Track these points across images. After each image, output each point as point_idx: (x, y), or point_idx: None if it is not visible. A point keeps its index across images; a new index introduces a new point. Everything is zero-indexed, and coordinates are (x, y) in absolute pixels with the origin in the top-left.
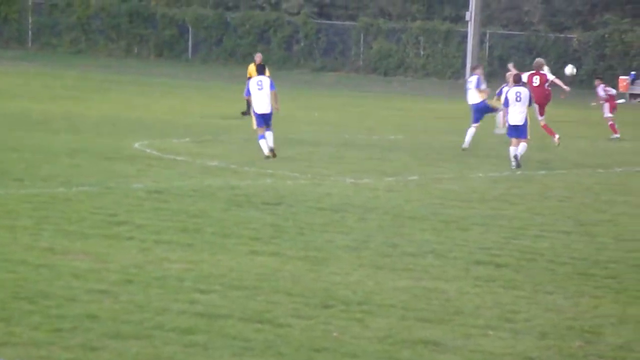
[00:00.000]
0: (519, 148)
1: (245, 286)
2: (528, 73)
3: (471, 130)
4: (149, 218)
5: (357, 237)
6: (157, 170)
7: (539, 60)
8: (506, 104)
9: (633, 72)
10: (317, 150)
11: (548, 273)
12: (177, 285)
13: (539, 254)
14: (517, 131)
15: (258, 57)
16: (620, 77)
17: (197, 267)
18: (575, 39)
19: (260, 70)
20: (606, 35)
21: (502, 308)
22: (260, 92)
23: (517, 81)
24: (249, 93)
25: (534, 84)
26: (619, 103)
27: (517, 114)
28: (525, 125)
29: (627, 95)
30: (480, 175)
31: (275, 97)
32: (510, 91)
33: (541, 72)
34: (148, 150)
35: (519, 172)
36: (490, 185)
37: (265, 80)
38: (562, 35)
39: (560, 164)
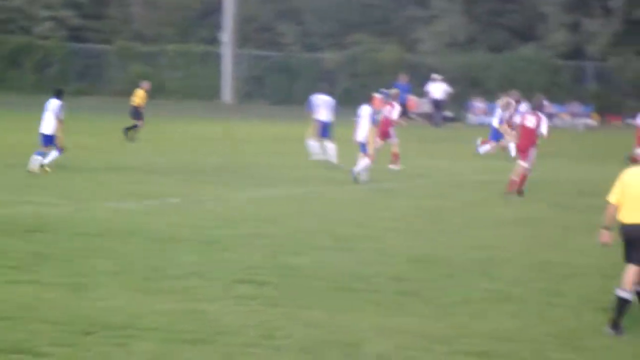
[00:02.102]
0: (360, 164)
1: (4, 317)
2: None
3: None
4: None
5: (120, 261)
6: None
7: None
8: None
9: (384, 90)
10: (77, 175)
11: (307, 289)
12: None
13: (299, 271)
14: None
15: None
16: (373, 94)
17: None
18: (329, 59)
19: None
20: (358, 54)
21: (263, 326)
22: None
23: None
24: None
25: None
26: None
27: (362, 132)
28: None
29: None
30: (243, 195)
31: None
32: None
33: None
34: None
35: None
36: (252, 205)
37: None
38: (315, 55)
39: (317, 181)
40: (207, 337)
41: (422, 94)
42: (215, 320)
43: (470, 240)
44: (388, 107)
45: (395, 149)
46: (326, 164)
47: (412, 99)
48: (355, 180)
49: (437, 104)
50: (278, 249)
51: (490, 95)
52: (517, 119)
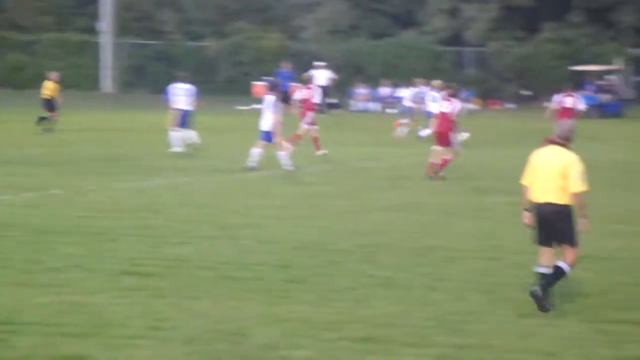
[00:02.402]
0: (281, 157)
1: None
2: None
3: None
4: None
5: None
6: None
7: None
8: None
9: (268, 78)
10: None
11: (194, 279)
12: None
13: (184, 261)
14: (266, 135)
15: None
16: (254, 82)
17: None
18: (210, 47)
19: None
20: (240, 42)
21: (149, 317)
22: None
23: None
24: None
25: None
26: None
27: (265, 119)
28: (268, 131)
29: None
30: (125, 185)
31: None
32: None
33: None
34: None
35: (187, 179)
36: (135, 196)
37: None
38: (197, 44)
39: (201, 171)
40: (91, 330)
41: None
42: (99, 313)
43: (355, 226)
44: (305, 91)
45: (315, 133)
46: (192, 152)
47: (295, 87)
48: (285, 171)
49: (322, 91)
50: (163, 240)
51: (373, 82)
52: (434, 106)
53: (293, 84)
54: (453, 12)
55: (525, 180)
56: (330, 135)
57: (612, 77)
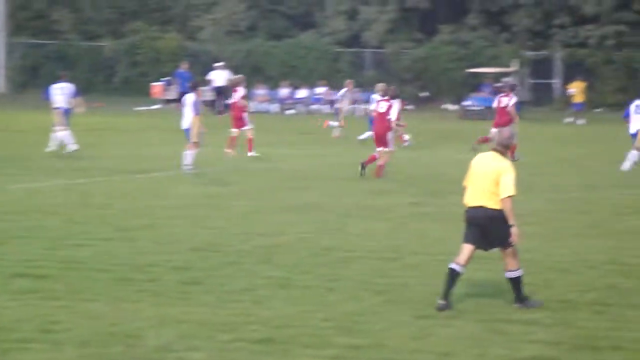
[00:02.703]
0: (186, 156)
1: None
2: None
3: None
4: None
5: None
6: None
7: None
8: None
9: (166, 78)
10: None
11: (89, 281)
12: None
13: (79, 263)
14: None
15: None
16: (152, 83)
17: None
18: (107, 47)
19: None
20: (137, 43)
21: (42, 319)
22: None
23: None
24: None
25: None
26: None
27: (185, 119)
28: (188, 129)
29: (163, 101)
30: (21, 186)
31: None
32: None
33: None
34: None
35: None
36: (31, 197)
37: None
38: (94, 44)
39: (99, 172)
40: None
41: (204, 82)
42: None
43: (253, 227)
44: (236, 93)
45: (250, 134)
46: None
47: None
48: (184, 171)
49: (219, 92)
50: (58, 241)
51: (272, 83)
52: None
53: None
54: (352, 14)
55: (465, 182)
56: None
57: (509, 80)
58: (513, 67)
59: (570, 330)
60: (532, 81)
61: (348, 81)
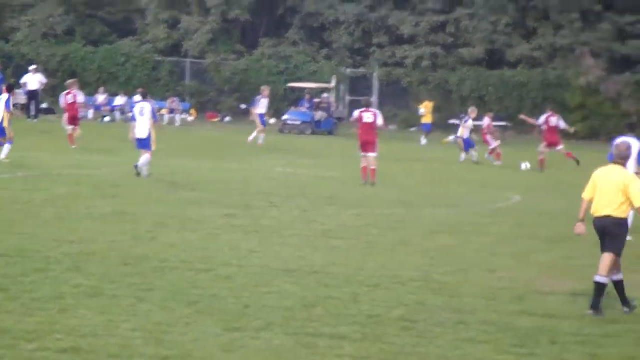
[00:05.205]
0: (141, 159)
1: None
2: None
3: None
4: None
5: None
6: None
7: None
8: (133, 118)
9: None
10: None
11: None
12: None
13: None
14: (142, 143)
15: None
16: None
17: None
18: None
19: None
20: None
21: None
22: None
23: None
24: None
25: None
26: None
27: (141, 128)
28: (149, 138)
29: None
30: None
31: None
32: (136, 107)
33: None
34: None
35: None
36: None
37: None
38: None
39: None
40: None
41: (18, 85)
42: None
43: (63, 234)
44: (68, 96)
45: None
46: None
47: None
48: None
49: (33, 96)
50: None
51: (90, 89)
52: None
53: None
54: (173, 23)
55: (585, 195)
56: (41, 141)
57: (327, 95)
58: (331, 84)
59: (378, 346)
60: (351, 98)
61: (263, 87)
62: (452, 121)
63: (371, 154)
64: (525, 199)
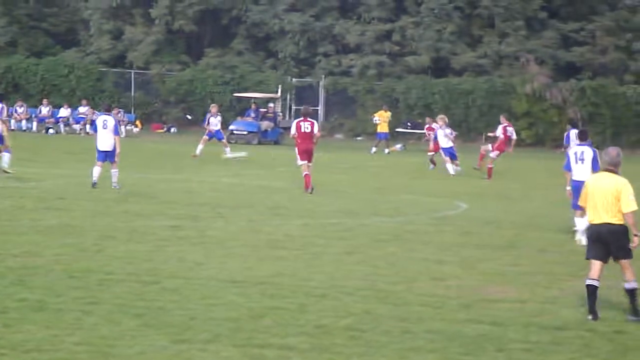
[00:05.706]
0: (113, 176)
1: None
2: None
3: None
4: None
5: None
6: None
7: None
8: (94, 129)
9: None
10: None
11: None
12: None
13: None
14: (106, 156)
15: None
16: None
17: None
18: None
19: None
20: None
21: None
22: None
23: None
24: None
25: None
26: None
27: (104, 141)
28: (114, 151)
29: None
30: None
31: None
32: (99, 119)
33: None
34: None
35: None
36: None
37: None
38: None
39: None
40: None
41: None
42: None
43: (7, 247)
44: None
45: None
46: None
47: None
48: None
49: None
50: None
51: (33, 101)
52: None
53: None
54: (117, 34)
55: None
56: None
57: (273, 105)
58: (277, 94)
59: (326, 356)
60: (297, 107)
61: (212, 105)
62: (398, 129)
63: (309, 163)
64: (471, 207)
